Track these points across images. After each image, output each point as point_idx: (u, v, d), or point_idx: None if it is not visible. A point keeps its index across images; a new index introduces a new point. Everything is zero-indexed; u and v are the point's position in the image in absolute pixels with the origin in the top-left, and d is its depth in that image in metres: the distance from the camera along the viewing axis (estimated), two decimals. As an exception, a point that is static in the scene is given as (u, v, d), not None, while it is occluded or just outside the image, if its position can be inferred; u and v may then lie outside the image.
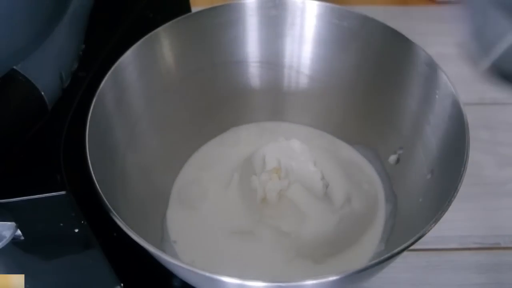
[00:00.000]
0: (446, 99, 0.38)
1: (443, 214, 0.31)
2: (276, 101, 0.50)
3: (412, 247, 0.30)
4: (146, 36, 0.41)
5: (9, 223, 0.30)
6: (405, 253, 0.30)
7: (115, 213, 0.31)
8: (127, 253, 0.35)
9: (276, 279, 0.29)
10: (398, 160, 0.44)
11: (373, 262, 0.30)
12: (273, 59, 0.48)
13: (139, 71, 0.41)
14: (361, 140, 0.48)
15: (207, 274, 0.29)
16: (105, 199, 0.31)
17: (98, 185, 0.32)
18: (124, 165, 0.39)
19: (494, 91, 0.61)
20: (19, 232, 0.31)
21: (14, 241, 0.31)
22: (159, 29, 0.41)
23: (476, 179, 0.53)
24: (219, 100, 0.48)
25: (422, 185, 0.39)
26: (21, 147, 0.31)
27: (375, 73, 0.44)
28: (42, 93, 0.31)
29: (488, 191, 0.52)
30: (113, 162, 0.38)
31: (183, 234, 0.44)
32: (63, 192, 0.29)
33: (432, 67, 0.39)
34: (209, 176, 0.47)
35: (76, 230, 0.32)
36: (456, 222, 0.49)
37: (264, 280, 0.28)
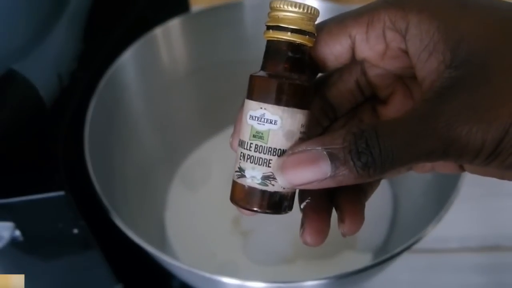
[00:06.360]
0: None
1: (444, 215, 0.31)
2: (276, 101, 0.50)
3: (412, 248, 0.30)
4: (146, 36, 0.40)
5: (7, 223, 0.30)
6: (405, 253, 0.30)
7: (114, 213, 0.31)
8: (127, 253, 0.35)
9: (276, 279, 0.29)
10: (398, 160, 0.44)
11: (374, 262, 0.30)
12: (273, 59, 0.47)
13: (139, 70, 0.41)
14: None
15: (207, 274, 0.29)
16: (104, 199, 0.31)
17: (97, 185, 0.32)
18: (123, 165, 0.39)
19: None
20: (18, 233, 0.31)
21: (14, 242, 0.31)
22: (159, 29, 0.41)
23: (476, 180, 0.52)
24: (218, 99, 0.48)
25: (422, 185, 0.39)
26: (20, 147, 0.30)
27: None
28: (41, 92, 0.31)
29: (488, 192, 0.52)
30: (112, 162, 0.38)
31: (182, 231, 0.44)
32: (62, 193, 0.29)
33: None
34: (209, 175, 0.47)
35: (75, 231, 0.32)
36: (456, 223, 0.48)
37: (264, 280, 0.28)
